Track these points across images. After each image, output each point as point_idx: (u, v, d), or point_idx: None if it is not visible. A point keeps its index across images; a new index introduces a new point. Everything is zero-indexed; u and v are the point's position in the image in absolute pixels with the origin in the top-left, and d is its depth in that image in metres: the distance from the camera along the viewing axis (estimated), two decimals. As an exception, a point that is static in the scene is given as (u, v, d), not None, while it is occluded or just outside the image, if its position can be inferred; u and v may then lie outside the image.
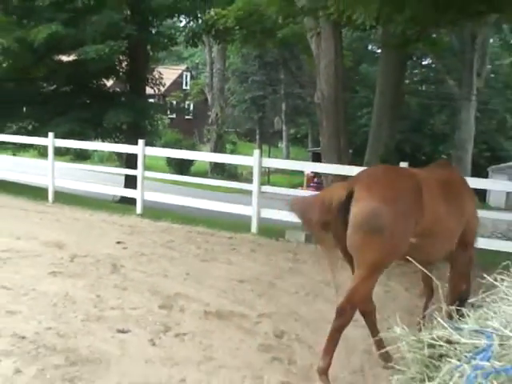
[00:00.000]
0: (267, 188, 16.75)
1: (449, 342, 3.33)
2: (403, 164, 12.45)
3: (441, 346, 3.35)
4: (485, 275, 3.91)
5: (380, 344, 6.72)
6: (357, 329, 8.05)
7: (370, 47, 53.38)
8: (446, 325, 3.41)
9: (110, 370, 6.43)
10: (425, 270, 5.51)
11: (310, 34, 16.88)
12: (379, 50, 35.06)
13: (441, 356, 3.34)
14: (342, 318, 6.07)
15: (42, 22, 23.31)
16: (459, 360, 3.16)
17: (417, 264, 5.29)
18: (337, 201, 6.16)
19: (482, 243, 12.56)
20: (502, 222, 17.67)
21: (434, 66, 51.92)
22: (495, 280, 3.84)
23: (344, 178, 15.52)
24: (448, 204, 6.72)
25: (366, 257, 6.18)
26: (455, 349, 3.27)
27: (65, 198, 18.35)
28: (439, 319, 3.48)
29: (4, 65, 27.00)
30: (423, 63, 52.89)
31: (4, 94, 25.92)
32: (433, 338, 3.38)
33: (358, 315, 8.74)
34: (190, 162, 46.17)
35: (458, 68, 42.79)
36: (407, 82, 32.85)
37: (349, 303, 6.09)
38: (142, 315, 8.20)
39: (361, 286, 6.27)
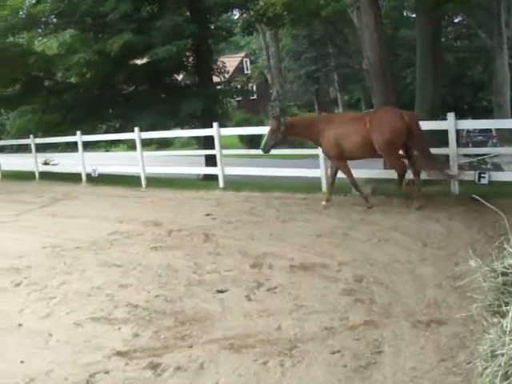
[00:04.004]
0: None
1: (520, 269, 3.22)
2: (450, 114, 12.20)
3: (513, 273, 3.24)
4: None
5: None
6: (427, 267, 7.98)
7: (405, 13, 52.37)
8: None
9: (214, 326, 6.51)
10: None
11: (351, 9, 16.70)
12: (414, 15, 34.37)
13: (514, 282, 3.24)
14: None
15: (115, 33, 23.42)
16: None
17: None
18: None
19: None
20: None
21: (465, 22, 50.71)
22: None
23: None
24: None
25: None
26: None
27: (155, 182, 18.51)
28: (509, 248, 3.37)
29: (88, 75, 27.31)
30: (455, 21, 51.60)
31: (91, 100, 26.22)
32: (505, 267, 3.27)
33: (427, 256, 8.66)
34: (260, 137, 46.02)
35: (488, 21, 41.82)
36: (442, 39, 32.15)
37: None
38: (236, 275, 8.26)
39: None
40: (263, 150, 12.68)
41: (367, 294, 7.11)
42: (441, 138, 13.56)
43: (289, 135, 12.76)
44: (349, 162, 12.54)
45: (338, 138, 11.97)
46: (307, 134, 12.74)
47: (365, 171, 14.22)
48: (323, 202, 12.61)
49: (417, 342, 5.68)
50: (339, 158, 12.24)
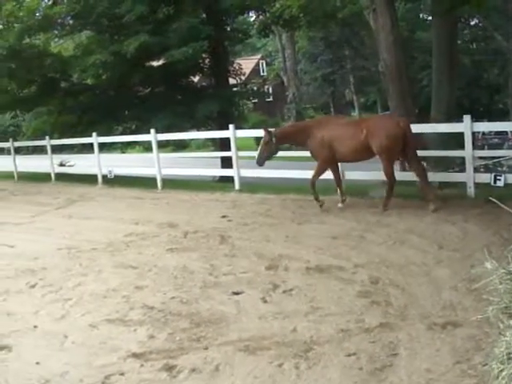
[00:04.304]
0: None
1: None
2: (466, 117, 12.17)
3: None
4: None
5: None
6: (443, 269, 7.97)
7: (421, 16, 52.12)
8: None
9: (229, 328, 6.53)
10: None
11: (367, 11, 16.64)
12: (430, 18, 34.22)
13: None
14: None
15: (131, 35, 23.46)
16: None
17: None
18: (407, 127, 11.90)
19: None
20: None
21: (481, 25, 50.44)
22: None
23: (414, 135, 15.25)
24: None
25: None
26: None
27: (171, 184, 18.55)
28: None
29: (104, 77, 27.40)
30: (471, 23, 51.27)
31: (107, 101, 26.33)
32: (521, 269, 3.26)
33: (443, 258, 8.64)
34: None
35: (504, 24, 41.57)
36: (459, 42, 31.95)
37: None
38: (251, 277, 8.29)
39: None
40: (257, 162, 13.09)
41: (383, 296, 7.10)
42: (457, 140, 13.51)
43: (281, 144, 13.24)
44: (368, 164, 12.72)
45: (331, 140, 12.35)
46: (298, 139, 13.12)
47: (380, 173, 14.20)
48: (339, 205, 12.74)
49: (432, 345, 5.68)
50: (327, 160, 12.71)
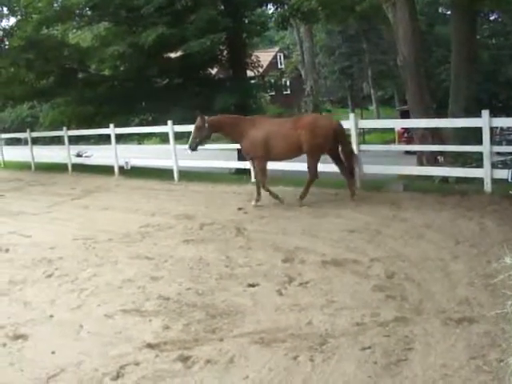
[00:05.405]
0: (364, 146, 16.53)
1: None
2: (484, 112, 12.07)
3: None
4: None
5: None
6: (459, 264, 7.94)
7: (440, 10, 51.83)
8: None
9: (245, 320, 6.54)
10: None
11: (386, 4, 16.55)
12: (449, 12, 34.04)
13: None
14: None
15: (149, 26, 23.44)
16: None
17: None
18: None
19: None
20: None
21: (500, 20, 50.06)
22: None
23: (432, 129, 15.19)
24: None
25: None
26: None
27: (188, 175, 18.57)
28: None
29: (121, 68, 27.45)
30: (490, 18, 50.88)
31: (125, 92, 26.35)
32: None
33: (459, 254, 8.62)
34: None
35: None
36: (478, 37, 31.69)
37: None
38: (267, 270, 8.30)
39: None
40: (190, 147, 13.39)
41: (398, 291, 7.10)
42: (474, 135, 13.43)
43: (213, 132, 13.69)
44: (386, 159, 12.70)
45: (266, 139, 12.83)
46: (230, 132, 13.70)
47: (397, 168, 14.17)
48: (252, 203, 13.26)
49: (447, 340, 5.67)
50: (264, 158, 13.15)
